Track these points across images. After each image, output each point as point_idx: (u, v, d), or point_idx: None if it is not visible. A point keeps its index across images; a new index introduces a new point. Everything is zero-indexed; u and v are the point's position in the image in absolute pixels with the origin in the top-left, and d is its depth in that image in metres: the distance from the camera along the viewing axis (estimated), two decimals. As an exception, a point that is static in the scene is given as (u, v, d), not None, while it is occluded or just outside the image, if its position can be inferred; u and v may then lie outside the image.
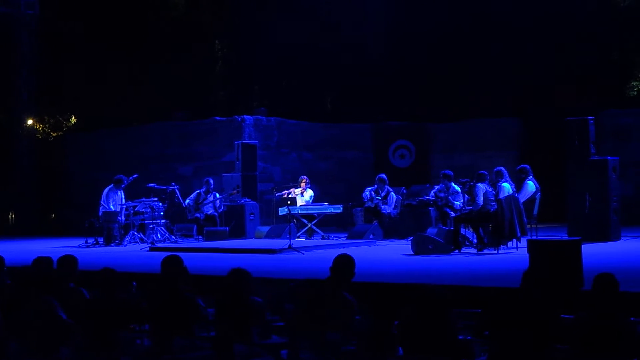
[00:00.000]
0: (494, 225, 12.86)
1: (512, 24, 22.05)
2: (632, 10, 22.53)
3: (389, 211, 16.43)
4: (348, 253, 6.60)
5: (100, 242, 16.87)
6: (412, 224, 15.60)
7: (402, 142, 21.93)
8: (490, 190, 13.13)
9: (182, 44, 25.14)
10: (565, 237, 13.38)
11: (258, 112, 21.32)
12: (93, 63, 24.68)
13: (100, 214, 17.11)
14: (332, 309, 6.21)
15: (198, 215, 17.60)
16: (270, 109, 21.96)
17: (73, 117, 27.16)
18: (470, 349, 5.56)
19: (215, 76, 26.39)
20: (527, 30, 22.11)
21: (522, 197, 13.61)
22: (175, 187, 17.69)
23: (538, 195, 13.95)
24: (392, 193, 16.62)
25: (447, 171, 15.64)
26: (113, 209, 16.97)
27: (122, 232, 17.05)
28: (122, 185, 17.23)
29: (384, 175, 16.79)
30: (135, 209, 17.14)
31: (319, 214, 16.78)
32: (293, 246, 13.65)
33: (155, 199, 17.06)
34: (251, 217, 17.54)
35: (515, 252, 12.58)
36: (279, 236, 16.04)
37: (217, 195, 17.77)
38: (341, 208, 16.79)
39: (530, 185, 14.00)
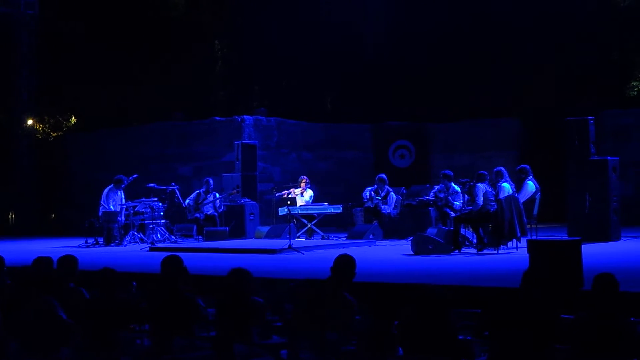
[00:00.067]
0: (494, 226, 12.86)
1: (512, 24, 22.05)
2: (632, 10, 22.51)
3: (389, 211, 16.42)
4: (348, 253, 6.60)
5: (100, 242, 16.87)
6: (412, 224, 15.60)
7: (402, 142, 21.92)
8: (490, 190, 13.12)
9: (182, 44, 25.14)
10: (565, 237, 13.38)
11: (258, 112, 21.31)
12: (93, 63, 24.66)
13: (100, 214, 17.11)
14: (332, 309, 6.20)
15: (198, 215, 17.60)
16: (270, 109, 21.94)
17: (73, 117, 27.14)
18: (470, 349, 5.55)
19: (215, 76, 26.38)
20: (527, 30, 22.10)
21: (522, 197, 13.60)
22: (175, 187, 17.68)
23: (538, 196, 13.95)
24: (392, 193, 16.61)
25: (447, 171, 15.63)
26: (113, 209, 16.96)
27: (122, 232, 17.05)
28: (122, 186, 17.23)
29: (383, 175, 16.78)
30: (135, 209, 17.14)
31: (318, 214, 16.77)
32: (293, 246, 13.65)
33: (155, 199, 17.06)
34: (251, 217, 17.53)
35: (515, 252, 12.58)
36: (278, 236, 16.03)
37: (217, 195, 17.77)
38: (341, 208, 16.77)
39: (530, 186, 14.00)
